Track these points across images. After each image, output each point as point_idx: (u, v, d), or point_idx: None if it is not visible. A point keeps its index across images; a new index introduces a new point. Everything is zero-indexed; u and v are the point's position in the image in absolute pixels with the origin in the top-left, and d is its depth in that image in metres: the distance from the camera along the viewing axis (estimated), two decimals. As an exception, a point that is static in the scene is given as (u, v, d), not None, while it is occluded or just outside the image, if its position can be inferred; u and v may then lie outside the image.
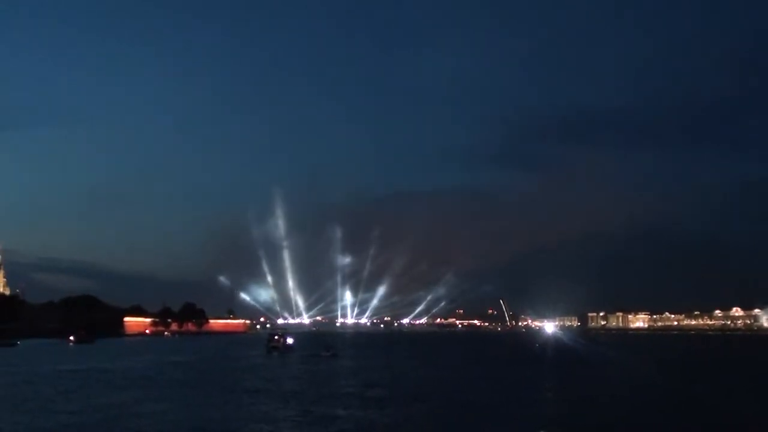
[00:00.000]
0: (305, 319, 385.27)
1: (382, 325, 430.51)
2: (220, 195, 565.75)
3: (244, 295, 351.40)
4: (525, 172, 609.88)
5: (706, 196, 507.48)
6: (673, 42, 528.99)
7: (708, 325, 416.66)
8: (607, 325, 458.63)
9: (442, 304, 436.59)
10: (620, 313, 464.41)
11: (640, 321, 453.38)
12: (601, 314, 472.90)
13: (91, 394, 48.58)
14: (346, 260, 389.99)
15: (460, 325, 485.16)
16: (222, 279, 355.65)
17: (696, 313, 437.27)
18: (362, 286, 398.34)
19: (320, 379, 61.61)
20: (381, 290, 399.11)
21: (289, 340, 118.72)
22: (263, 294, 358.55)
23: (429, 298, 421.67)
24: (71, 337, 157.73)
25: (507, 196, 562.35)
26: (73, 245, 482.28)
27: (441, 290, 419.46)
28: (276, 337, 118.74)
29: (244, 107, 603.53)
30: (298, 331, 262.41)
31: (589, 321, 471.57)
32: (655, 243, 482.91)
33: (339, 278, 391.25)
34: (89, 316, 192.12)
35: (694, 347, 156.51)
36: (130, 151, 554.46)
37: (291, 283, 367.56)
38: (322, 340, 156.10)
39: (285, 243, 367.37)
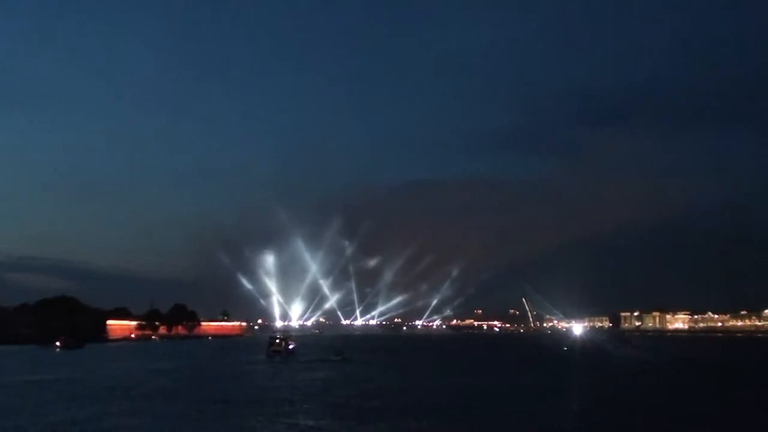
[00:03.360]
0: (308, 321, 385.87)
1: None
2: (212, 185, 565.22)
3: (239, 295, 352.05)
4: (548, 159, 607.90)
5: (754, 184, 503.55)
6: (708, 15, 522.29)
7: (756, 326, 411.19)
8: (642, 326, 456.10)
9: (458, 303, 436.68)
10: (657, 313, 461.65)
11: (679, 322, 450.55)
12: (636, 314, 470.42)
13: (52, 407, 47.73)
14: (352, 257, 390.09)
15: (478, 327, 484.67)
16: (214, 277, 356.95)
17: (743, 312, 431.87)
18: (371, 284, 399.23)
19: (321, 388, 61.25)
20: (391, 289, 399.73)
21: (291, 345, 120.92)
22: (261, 294, 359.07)
23: (443, 297, 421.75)
24: (57, 342, 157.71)
25: (528, 185, 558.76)
26: (49, 241, 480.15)
27: (457, 289, 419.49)
28: (277, 341, 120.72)
29: (237, 89, 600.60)
30: (300, 333, 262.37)
31: (622, 321, 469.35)
32: (695, 235, 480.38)
33: (345, 276, 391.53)
34: (69, 319, 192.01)
35: (741, 351, 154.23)
36: (109, 136, 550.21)
37: (291, 281, 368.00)
38: (328, 344, 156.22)
39: (285, 238, 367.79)
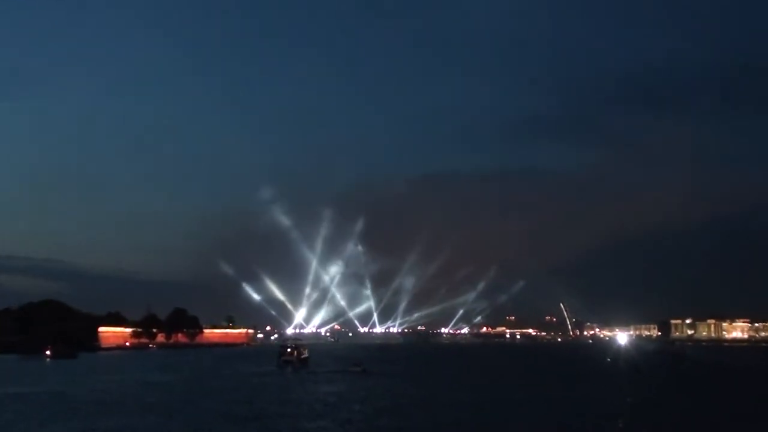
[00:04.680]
0: (321, 328, 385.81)
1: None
2: (214, 179, 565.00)
3: (245, 300, 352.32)
4: (590, 148, 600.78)
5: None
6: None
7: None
8: (696, 334, 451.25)
9: (488, 309, 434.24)
10: (712, 321, 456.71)
11: (737, 330, 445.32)
12: (688, 322, 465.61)
13: (27, 424, 47.37)
14: (369, 257, 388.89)
15: (511, 335, 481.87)
16: (218, 280, 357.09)
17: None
18: (390, 288, 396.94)
19: (334, 402, 60.83)
20: (414, 294, 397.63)
21: (304, 354, 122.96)
22: (269, 298, 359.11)
23: (472, 302, 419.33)
24: (47, 352, 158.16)
25: (567, 176, 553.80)
26: (34, 239, 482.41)
27: (487, 293, 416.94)
28: (289, 350, 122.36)
29: (239, 78, 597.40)
30: (313, 342, 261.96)
31: (673, 330, 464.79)
32: (756, 234, 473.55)
33: (361, 279, 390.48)
34: (56, 325, 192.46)
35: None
36: (103, 125, 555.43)
37: (303, 285, 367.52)
38: (345, 353, 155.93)
39: (294, 237, 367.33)
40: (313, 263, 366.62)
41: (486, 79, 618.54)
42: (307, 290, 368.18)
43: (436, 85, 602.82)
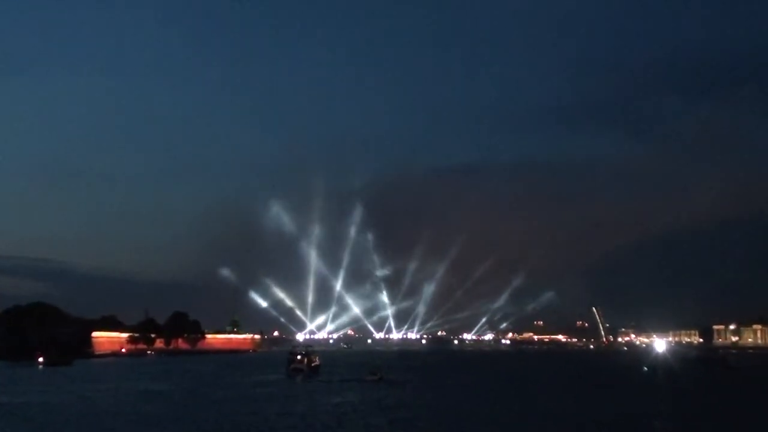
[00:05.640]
0: (333, 334, 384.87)
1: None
2: (217, 174, 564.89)
3: (251, 303, 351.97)
4: (631, 138, 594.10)
5: None
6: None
7: None
8: (741, 341, 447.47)
9: (515, 314, 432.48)
10: (758, 326, 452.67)
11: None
12: (732, 327, 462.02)
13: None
14: (385, 257, 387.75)
15: (539, 342, 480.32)
16: (222, 281, 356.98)
17: None
18: (408, 291, 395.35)
19: (344, 415, 60.40)
20: (434, 297, 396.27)
21: (315, 361, 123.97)
22: (277, 301, 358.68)
23: (496, 306, 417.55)
24: (40, 359, 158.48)
25: (604, 170, 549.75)
26: (22, 238, 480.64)
27: (513, 297, 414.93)
28: (299, 357, 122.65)
29: (243, 66, 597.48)
30: (325, 348, 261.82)
31: (715, 336, 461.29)
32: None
33: (377, 281, 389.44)
34: (46, 330, 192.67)
35: None
36: (95, 113, 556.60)
37: (314, 287, 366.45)
38: (359, 360, 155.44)
39: (304, 236, 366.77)
40: (325, 264, 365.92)
41: (518, 66, 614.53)
42: (318, 294, 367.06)
43: (455, 72, 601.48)
